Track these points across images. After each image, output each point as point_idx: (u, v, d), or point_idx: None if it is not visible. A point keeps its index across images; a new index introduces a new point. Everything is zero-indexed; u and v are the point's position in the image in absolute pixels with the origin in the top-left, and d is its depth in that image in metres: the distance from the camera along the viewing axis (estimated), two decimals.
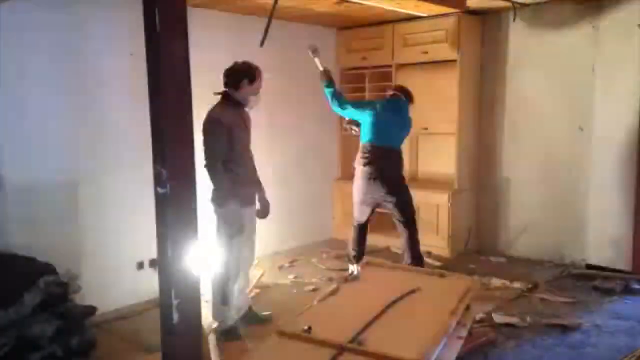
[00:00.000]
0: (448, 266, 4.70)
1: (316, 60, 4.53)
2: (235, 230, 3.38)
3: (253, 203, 3.62)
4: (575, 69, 4.67)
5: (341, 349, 2.47)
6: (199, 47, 3.98)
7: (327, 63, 5.82)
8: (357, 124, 4.46)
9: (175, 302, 2.83)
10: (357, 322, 2.72)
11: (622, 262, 4.52)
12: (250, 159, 3.59)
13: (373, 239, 5.65)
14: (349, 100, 4.56)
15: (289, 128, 5.50)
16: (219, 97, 3.49)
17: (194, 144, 2.89)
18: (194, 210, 2.93)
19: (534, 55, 4.91)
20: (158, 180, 2.82)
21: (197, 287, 3.00)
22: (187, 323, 2.90)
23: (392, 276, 3.55)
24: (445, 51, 5.03)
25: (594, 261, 4.65)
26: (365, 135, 4.32)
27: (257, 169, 5.20)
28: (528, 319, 3.66)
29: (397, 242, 5.41)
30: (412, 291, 3.08)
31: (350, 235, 4.69)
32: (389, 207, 4.30)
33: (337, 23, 5.62)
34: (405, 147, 5.74)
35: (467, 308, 3.04)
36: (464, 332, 2.87)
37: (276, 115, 5.36)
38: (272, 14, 3.32)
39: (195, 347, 3.00)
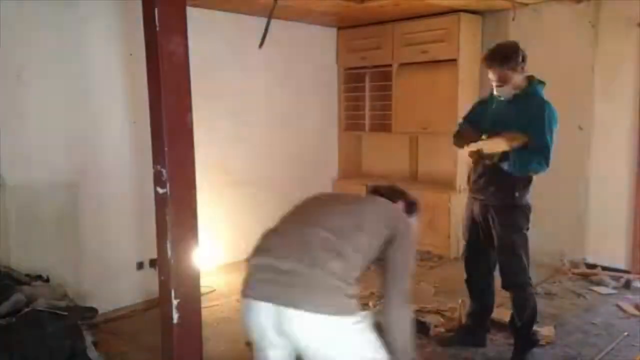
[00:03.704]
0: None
1: None
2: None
3: None
4: (575, 68, 4.67)
5: None
6: (199, 47, 3.99)
7: (327, 63, 5.86)
8: None
9: (175, 302, 2.84)
10: None
11: (622, 261, 4.52)
12: None
13: None
14: None
15: (288, 128, 5.49)
16: None
17: (194, 144, 2.89)
18: (194, 210, 2.93)
19: (534, 54, 4.89)
20: (158, 180, 2.83)
21: (197, 287, 3.00)
22: (187, 323, 2.90)
23: None
24: (445, 50, 5.03)
25: (593, 260, 4.65)
26: None
27: (257, 168, 5.24)
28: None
29: None
30: None
31: None
32: None
33: (337, 22, 5.62)
34: (406, 147, 5.80)
35: None
36: None
37: (276, 115, 5.36)
38: (271, 14, 3.31)
39: (195, 347, 3.01)
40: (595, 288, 4.22)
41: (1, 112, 3.36)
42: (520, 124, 2.97)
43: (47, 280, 3.37)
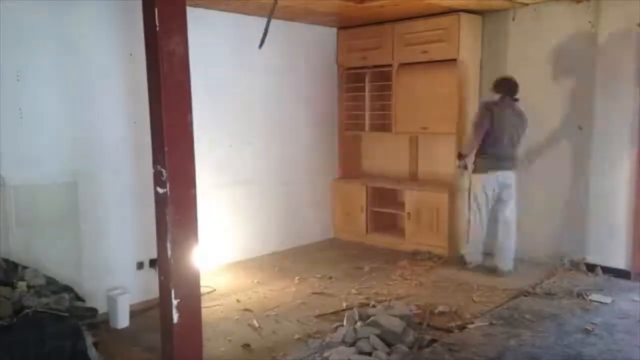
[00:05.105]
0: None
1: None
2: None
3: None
4: (575, 68, 4.67)
5: None
6: (199, 47, 4.00)
7: (327, 63, 5.86)
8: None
9: (175, 302, 2.84)
10: None
11: (622, 261, 4.52)
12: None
13: (373, 239, 5.67)
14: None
15: (289, 128, 5.49)
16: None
17: (194, 144, 2.89)
18: (194, 210, 2.93)
19: (534, 54, 4.91)
20: (158, 180, 2.83)
21: (197, 286, 3.01)
22: (187, 323, 2.91)
23: None
24: (445, 50, 5.03)
25: (593, 260, 4.65)
26: None
27: (257, 168, 5.24)
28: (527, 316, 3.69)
29: (396, 241, 5.43)
30: None
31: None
32: None
33: (337, 22, 5.61)
34: (406, 147, 5.81)
35: None
36: None
37: (276, 115, 5.36)
38: (271, 14, 3.31)
39: (195, 347, 3.01)
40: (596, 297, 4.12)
41: (1, 112, 3.36)
42: None
43: (47, 280, 3.37)
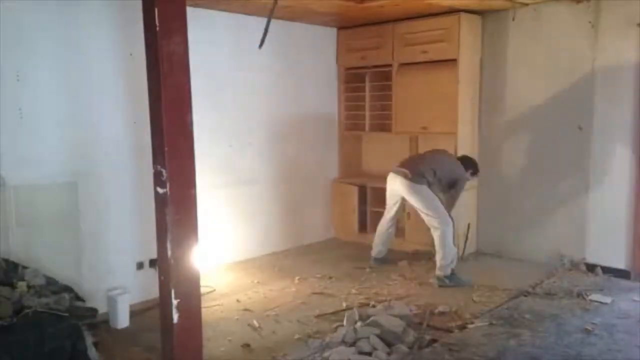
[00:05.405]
0: None
1: None
2: None
3: None
4: (575, 68, 4.67)
5: None
6: (199, 47, 4.00)
7: (327, 63, 5.87)
8: None
9: (175, 302, 2.84)
10: None
11: (622, 261, 4.52)
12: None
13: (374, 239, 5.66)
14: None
15: (289, 128, 5.49)
16: None
17: (194, 144, 2.89)
18: (194, 210, 2.93)
19: (534, 54, 4.91)
20: (158, 180, 2.83)
21: (197, 286, 3.01)
22: (187, 323, 2.90)
23: None
24: (445, 50, 5.03)
25: (593, 260, 4.65)
26: None
27: (257, 168, 5.24)
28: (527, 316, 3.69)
29: (396, 241, 5.43)
30: None
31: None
32: None
33: (337, 22, 5.61)
34: (406, 147, 5.81)
35: None
36: None
37: (276, 115, 5.36)
38: (271, 14, 3.31)
39: (195, 347, 3.01)
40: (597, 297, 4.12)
41: (1, 112, 3.36)
42: None
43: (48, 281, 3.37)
